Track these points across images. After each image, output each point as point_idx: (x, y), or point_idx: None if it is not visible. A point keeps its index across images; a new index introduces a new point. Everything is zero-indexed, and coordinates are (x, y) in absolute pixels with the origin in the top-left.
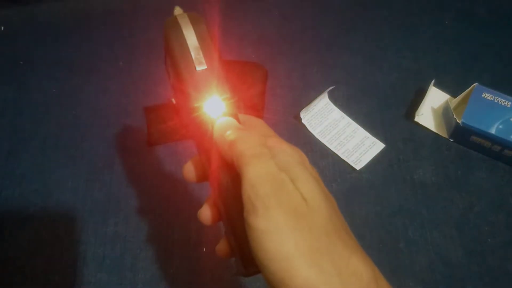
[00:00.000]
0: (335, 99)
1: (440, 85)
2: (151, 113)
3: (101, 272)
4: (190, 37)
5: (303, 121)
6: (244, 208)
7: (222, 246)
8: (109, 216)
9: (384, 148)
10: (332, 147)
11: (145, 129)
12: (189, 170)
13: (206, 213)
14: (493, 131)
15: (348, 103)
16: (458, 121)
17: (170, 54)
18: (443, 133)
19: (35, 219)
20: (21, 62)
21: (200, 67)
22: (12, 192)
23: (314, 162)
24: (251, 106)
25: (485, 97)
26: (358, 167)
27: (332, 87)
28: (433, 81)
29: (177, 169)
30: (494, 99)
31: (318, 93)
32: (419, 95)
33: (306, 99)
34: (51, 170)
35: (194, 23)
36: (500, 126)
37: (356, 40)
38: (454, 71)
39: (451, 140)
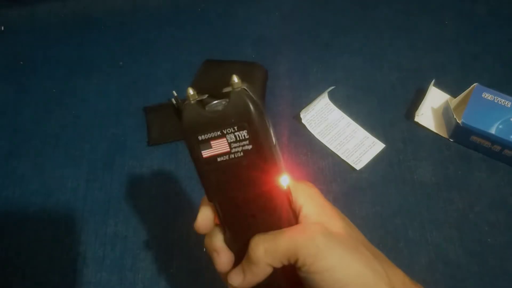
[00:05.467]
0: (335, 99)
1: (440, 85)
2: (151, 113)
3: (101, 272)
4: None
5: (303, 121)
6: (306, 263)
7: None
8: (109, 216)
9: (384, 148)
10: (332, 147)
11: (145, 129)
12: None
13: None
14: (493, 131)
15: (348, 103)
16: (458, 121)
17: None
18: (443, 133)
19: (35, 219)
20: (21, 62)
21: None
22: (12, 192)
23: (314, 162)
24: None
25: (485, 97)
26: (358, 167)
27: (332, 87)
28: (433, 81)
29: (177, 169)
30: (494, 99)
31: (318, 93)
32: (419, 95)
33: (306, 99)
34: (51, 170)
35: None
36: (500, 126)
37: (356, 40)
38: (454, 71)
39: (451, 140)
